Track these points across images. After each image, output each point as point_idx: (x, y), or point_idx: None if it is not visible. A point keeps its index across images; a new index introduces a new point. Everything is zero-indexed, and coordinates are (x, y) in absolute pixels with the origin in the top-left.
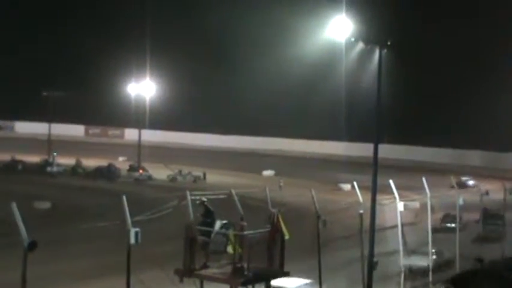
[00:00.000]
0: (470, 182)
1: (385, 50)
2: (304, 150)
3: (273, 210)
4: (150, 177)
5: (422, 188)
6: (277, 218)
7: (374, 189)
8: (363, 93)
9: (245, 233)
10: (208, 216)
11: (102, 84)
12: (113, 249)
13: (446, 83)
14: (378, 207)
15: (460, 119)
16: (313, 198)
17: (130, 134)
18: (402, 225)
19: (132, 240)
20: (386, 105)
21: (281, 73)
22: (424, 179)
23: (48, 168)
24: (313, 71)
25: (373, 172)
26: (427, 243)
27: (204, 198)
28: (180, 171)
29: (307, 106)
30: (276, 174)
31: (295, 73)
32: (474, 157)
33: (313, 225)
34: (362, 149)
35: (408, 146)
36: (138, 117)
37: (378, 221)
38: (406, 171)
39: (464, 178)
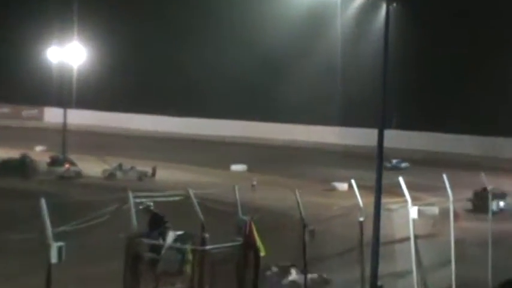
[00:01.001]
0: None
1: (394, 5)
2: (285, 138)
3: (245, 217)
4: (79, 174)
5: (443, 188)
6: (250, 228)
7: (378, 190)
8: (363, 63)
9: (207, 247)
10: (157, 226)
11: (12, 48)
12: (28, 270)
13: (475, 50)
14: (383, 213)
15: (493, 97)
16: (297, 201)
17: (51, 115)
18: (416, 237)
19: (54, 259)
20: (395, 79)
21: (252, 37)
22: (445, 176)
23: None
24: (296, 33)
25: (377, 167)
26: (449, 261)
27: (150, 202)
28: (119, 166)
29: (288, 80)
30: (248, 170)
31: (271, 36)
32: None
33: (297, 237)
34: (362, 137)
35: (423, 133)
36: (62, 93)
37: (383, 232)
38: (421, 165)
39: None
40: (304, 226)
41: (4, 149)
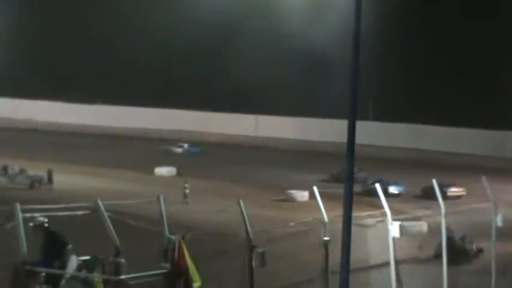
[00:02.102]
0: None
1: None
2: (225, 131)
3: (173, 237)
4: None
5: (432, 196)
6: (180, 251)
7: (348, 200)
8: (321, 34)
9: (122, 276)
10: (54, 249)
11: None
12: None
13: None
14: (355, 230)
15: (499, 81)
16: (242, 215)
17: None
18: (398, 262)
19: None
20: (370, 56)
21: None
22: (435, 182)
23: None
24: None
25: (347, 169)
26: None
27: (43, 218)
28: (4, 169)
29: (231, 58)
30: (178, 174)
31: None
32: None
33: (242, 262)
34: (328, 130)
35: (408, 125)
36: None
37: (355, 255)
38: (405, 167)
39: None
40: (252, 248)
41: None
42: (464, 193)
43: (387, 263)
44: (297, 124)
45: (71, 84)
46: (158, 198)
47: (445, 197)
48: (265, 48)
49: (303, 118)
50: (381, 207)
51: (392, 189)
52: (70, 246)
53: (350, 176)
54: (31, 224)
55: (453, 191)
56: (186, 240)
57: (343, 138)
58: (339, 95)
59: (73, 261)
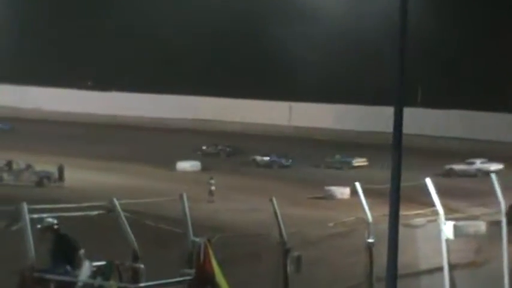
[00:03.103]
0: None
1: None
2: (253, 121)
3: (198, 239)
4: None
5: (492, 193)
6: (206, 256)
7: (395, 197)
8: (370, 16)
9: (141, 284)
10: (65, 253)
11: None
12: None
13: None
14: (403, 231)
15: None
16: (275, 215)
17: None
18: (452, 267)
19: None
20: (418, 38)
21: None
22: (493, 177)
23: None
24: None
25: (393, 162)
26: None
27: (53, 219)
28: (9, 164)
29: (262, 42)
30: (203, 169)
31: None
32: None
33: (276, 267)
34: (371, 119)
35: (461, 112)
36: None
37: (403, 259)
38: (458, 158)
39: None
40: (286, 251)
41: None
42: None
43: (440, 268)
44: (334, 112)
45: (83, 70)
46: (181, 197)
47: None
48: (298, 30)
49: (341, 105)
50: (432, 205)
51: None
52: (82, 250)
53: (397, 170)
54: (39, 226)
55: None
56: (212, 243)
57: (387, 127)
58: (382, 79)
59: (86, 267)
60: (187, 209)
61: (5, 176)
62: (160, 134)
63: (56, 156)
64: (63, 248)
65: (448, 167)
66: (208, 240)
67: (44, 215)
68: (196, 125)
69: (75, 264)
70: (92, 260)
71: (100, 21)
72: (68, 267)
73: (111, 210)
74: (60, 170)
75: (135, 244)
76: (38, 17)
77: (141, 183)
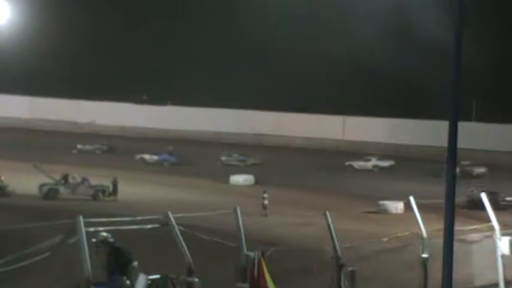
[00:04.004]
0: None
1: None
2: (308, 135)
3: (252, 254)
4: (3, 189)
5: None
6: (260, 270)
7: (450, 212)
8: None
9: None
10: (119, 266)
11: None
12: None
13: None
14: (458, 246)
15: None
16: (329, 228)
17: None
18: (508, 283)
19: None
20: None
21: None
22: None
23: None
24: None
25: (448, 176)
26: None
27: (106, 233)
28: (64, 178)
29: (314, 56)
30: (256, 182)
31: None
32: None
33: (329, 282)
34: (424, 132)
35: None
36: None
37: (459, 275)
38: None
39: None
40: (340, 266)
41: None
42: None
43: (495, 284)
44: (388, 126)
45: (139, 84)
46: (235, 210)
47: None
48: (351, 44)
49: (395, 119)
50: (488, 220)
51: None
52: (136, 262)
53: (452, 185)
54: (93, 240)
55: None
56: (266, 257)
57: (441, 141)
58: (436, 93)
59: (141, 280)
60: (241, 223)
61: (62, 189)
62: (213, 147)
63: (110, 170)
64: (117, 261)
65: (347, 163)
66: (262, 254)
67: (100, 228)
68: (254, 139)
69: (130, 277)
70: (145, 272)
71: (156, 36)
72: (125, 279)
73: (165, 223)
74: (115, 184)
75: (190, 258)
76: (95, 32)
77: (195, 196)
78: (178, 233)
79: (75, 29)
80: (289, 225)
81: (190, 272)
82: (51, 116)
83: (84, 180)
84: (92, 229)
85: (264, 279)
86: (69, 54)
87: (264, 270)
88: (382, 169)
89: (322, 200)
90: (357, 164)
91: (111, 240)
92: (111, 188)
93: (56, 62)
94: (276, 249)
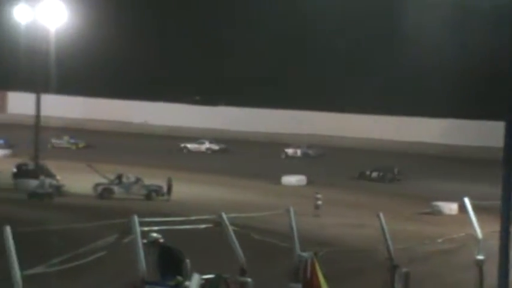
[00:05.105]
0: None
1: None
2: (360, 135)
3: (305, 254)
4: (59, 189)
5: None
6: (313, 270)
7: (506, 212)
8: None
9: None
10: (172, 267)
11: None
12: None
13: None
14: None
15: None
16: (382, 230)
17: (18, 104)
18: None
19: None
20: None
21: None
22: None
23: None
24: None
25: (504, 179)
26: None
27: (156, 234)
28: (119, 177)
29: (371, 55)
30: (308, 183)
31: None
32: None
33: (383, 283)
34: (479, 133)
35: None
36: (34, 71)
37: None
38: None
39: None
40: (394, 267)
41: None
42: None
43: None
44: (442, 127)
45: (191, 85)
46: (288, 211)
47: None
48: (408, 44)
49: (450, 120)
50: None
51: None
52: (188, 261)
53: (508, 186)
54: (145, 241)
55: None
56: (319, 257)
57: (496, 142)
58: (490, 93)
59: (195, 280)
60: (294, 223)
61: (116, 189)
62: (266, 147)
63: (164, 169)
64: (169, 260)
65: (182, 145)
66: (315, 255)
67: (154, 228)
68: (304, 139)
69: (183, 276)
70: (198, 272)
71: (207, 35)
72: (179, 279)
73: (219, 224)
74: (169, 184)
75: (243, 258)
76: (148, 33)
77: (247, 197)
78: (232, 233)
79: (128, 31)
80: (342, 225)
81: (243, 272)
82: (105, 116)
83: (137, 180)
84: (146, 228)
85: (317, 279)
86: (122, 55)
87: (317, 270)
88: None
89: (375, 200)
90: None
91: (161, 240)
92: (165, 188)
93: (109, 62)
94: (329, 250)
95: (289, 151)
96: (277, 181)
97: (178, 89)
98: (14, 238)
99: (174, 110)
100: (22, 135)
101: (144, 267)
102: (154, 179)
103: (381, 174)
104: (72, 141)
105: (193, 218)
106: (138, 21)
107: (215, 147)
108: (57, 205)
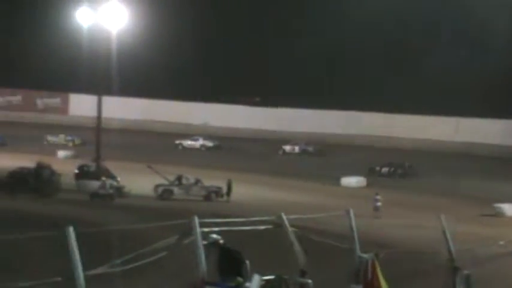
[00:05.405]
0: None
1: None
2: (418, 137)
3: (365, 255)
4: (120, 190)
5: None
6: (373, 271)
7: None
8: None
9: None
10: (232, 268)
11: (24, 13)
12: None
13: None
14: None
15: None
16: (443, 231)
17: (80, 105)
18: None
19: None
20: None
21: None
22: None
23: None
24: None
25: None
26: None
27: (216, 235)
28: (178, 178)
29: (423, 55)
30: (368, 185)
31: None
32: None
33: (444, 286)
34: None
35: None
36: (95, 73)
37: None
38: None
39: None
40: (455, 269)
41: (13, 154)
42: None
43: None
44: (503, 127)
45: (250, 87)
46: (347, 212)
47: None
48: (464, 43)
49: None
50: None
51: None
52: (247, 262)
53: None
54: (205, 242)
55: None
56: (379, 259)
57: None
58: None
59: (256, 281)
60: (354, 225)
61: (176, 190)
62: (324, 149)
63: (223, 171)
64: (229, 261)
65: (177, 141)
66: (376, 256)
67: (215, 229)
68: (359, 140)
69: (243, 277)
70: (261, 274)
71: (267, 38)
72: (239, 280)
73: (278, 225)
74: (229, 185)
75: (303, 259)
76: (207, 35)
77: (306, 198)
78: (292, 234)
79: (188, 33)
80: (402, 227)
81: (303, 274)
82: (165, 118)
83: (197, 181)
84: (206, 229)
85: (378, 281)
86: (182, 57)
87: (377, 272)
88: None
89: (435, 202)
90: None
91: (221, 241)
92: (224, 189)
93: (169, 64)
94: (389, 251)
95: (287, 148)
96: (337, 182)
97: (238, 90)
98: (77, 239)
99: (235, 111)
100: (83, 134)
101: (204, 268)
102: (215, 180)
103: (392, 169)
104: (69, 138)
105: (253, 219)
106: (199, 24)
107: (209, 143)
108: (118, 206)
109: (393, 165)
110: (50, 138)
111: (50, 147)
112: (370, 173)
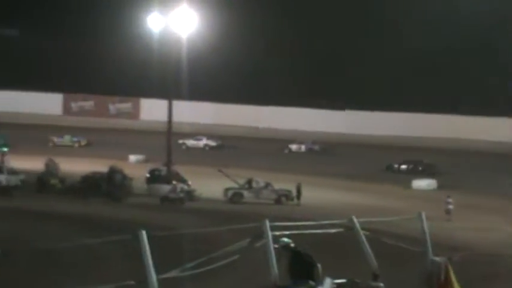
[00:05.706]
0: None
1: None
2: (490, 138)
3: (438, 259)
4: (191, 194)
5: None
6: (447, 275)
7: None
8: None
9: None
10: (303, 271)
11: (96, 18)
12: None
13: None
14: None
15: None
16: None
17: (151, 111)
18: None
19: None
20: None
21: None
22: None
23: None
24: None
25: None
26: None
27: (286, 239)
28: (249, 182)
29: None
30: (438, 187)
31: None
32: None
33: None
34: None
35: None
36: (166, 78)
37: None
38: None
39: None
40: None
41: (85, 159)
42: None
43: None
44: None
45: (318, 89)
46: (419, 215)
47: None
48: None
49: None
50: None
51: None
52: (319, 265)
53: None
54: (276, 246)
55: None
56: (452, 262)
57: None
58: None
59: (328, 284)
60: (426, 228)
61: (246, 193)
62: (392, 151)
63: (293, 174)
64: (300, 265)
65: (181, 141)
66: (449, 260)
67: (286, 232)
68: (422, 142)
69: (315, 281)
70: (332, 277)
71: (331, 41)
72: (311, 283)
73: (350, 228)
74: (298, 189)
75: (375, 263)
76: (275, 37)
77: (377, 201)
78: (363, 237)
79: (257, 37)
80: (475, 230)
81: (375, 277)
82: (233, 121)
83: (267, 184)
84: (277, 233)
85: (451, 285)
86: (251, 61)
87: (450, 276)
88: None
89: (508, 205)
90: None
91: (293, 245)
92: (294, 193)
93: (239, 68)
94: (463, 254)
95: (293, 147)
96: (408, 185)
97: (304, 93)
98: (149, 242)
99: (300, 114)
100: (154, 139)
101: (276, 272)
102: (285, 184)
103: (411, 166)
104: (75, 139)
105: (324, 222)
106: (267, 28)
107: (212, 143)
108: (188, 209)
109: (411, 163)
110: (56, 139)
111: (55, 149)
112: (387, 170)
